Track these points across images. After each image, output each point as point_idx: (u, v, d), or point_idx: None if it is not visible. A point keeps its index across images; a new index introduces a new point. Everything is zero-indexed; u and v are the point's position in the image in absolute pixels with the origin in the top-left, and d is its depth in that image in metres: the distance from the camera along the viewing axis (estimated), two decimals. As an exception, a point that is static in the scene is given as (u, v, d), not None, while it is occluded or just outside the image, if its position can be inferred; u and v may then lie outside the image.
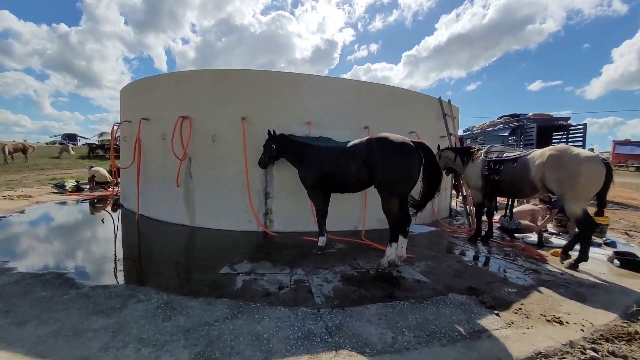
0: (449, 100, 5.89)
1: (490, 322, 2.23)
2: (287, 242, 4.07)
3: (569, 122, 11.04)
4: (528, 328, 2.17)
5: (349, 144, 3.21)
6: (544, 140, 10.61)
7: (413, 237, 4.48)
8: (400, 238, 3.16)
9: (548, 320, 2.31)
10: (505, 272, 3.29)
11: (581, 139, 10.29)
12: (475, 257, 3.76)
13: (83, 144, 32.35)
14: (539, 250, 4.05)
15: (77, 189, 7.66)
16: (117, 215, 5.36)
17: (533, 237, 4.54)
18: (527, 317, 2.34)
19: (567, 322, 2.27)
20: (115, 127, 5.80)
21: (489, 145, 4.38)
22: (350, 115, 4.66)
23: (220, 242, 4.06)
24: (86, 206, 6.13)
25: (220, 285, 2.70)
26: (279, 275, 2.98)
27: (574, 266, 3.49)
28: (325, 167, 3.29)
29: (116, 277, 2.84)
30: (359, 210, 4.76)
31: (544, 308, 2.49)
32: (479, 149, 4.33)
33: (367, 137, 3.13)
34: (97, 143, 22.20)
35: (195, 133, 4.49)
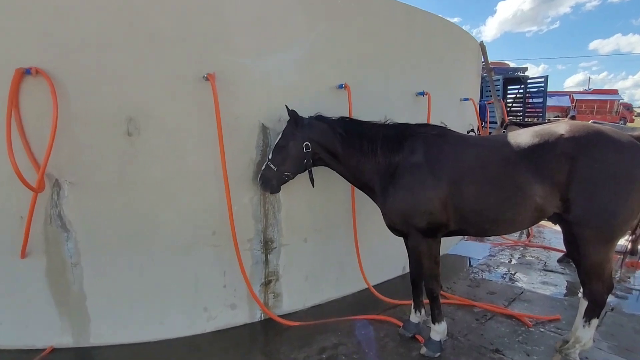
0: (482, 42, 5.43)
1: None
2: (334, 340, 2.87)
3: (526, 73, 12.40)
4: None
5: (518, 140, 2.46)
6: (504, 92, 11.65)
7: (479, 266, 4.36)
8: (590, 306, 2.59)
9: None
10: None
11: (541, 95, 11.41)
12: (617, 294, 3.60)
13: None
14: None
15: None
16: None
17: None
18: None
19: None
20: None
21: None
22: (399, 72, 3.68)
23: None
24: None
25: None
26: None
27: None
28: (466, 189, 2.48)
29: None
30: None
31: None
32: None
33: (558, 130, 2.39)
34: None
35: (71, 115, 2.48)
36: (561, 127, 2.38)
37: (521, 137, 2.45)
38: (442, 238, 2.66)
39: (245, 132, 2.85)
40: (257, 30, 2.81)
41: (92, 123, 2.48)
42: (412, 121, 2.86)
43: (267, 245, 3.06)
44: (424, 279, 2.72)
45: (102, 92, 2.48)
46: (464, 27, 4.78)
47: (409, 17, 3.69)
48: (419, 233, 2.56)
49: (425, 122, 3.55)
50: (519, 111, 11.50)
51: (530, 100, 11.56)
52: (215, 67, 2.67)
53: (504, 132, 4.41)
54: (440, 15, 4.10)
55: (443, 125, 4.03)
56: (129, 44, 2.49)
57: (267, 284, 3.09)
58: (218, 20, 2.68)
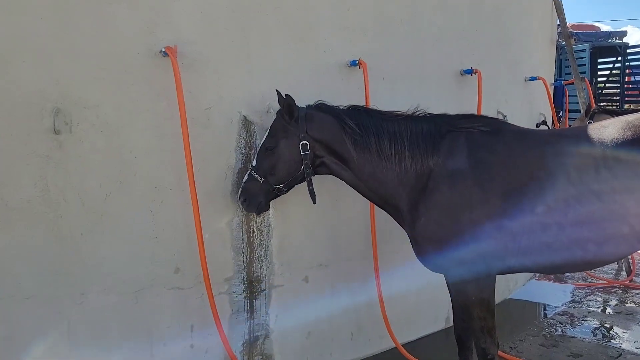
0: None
1: None
2: None
3: (625, 39, 11.78)
4: None
5: (603, 135, 2.35)
6: (591, 67, 10.76)
7: (557, 316, 4.15)
8: None
9: None
10: None
11: None
12: None
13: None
14: None
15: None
16: None
17: None
18: None
19: None
20: None
21: None
22: (436, 42, 3.64)
23: None
24: None
25: None
26: None
27: None
28: (528, 207, 2.35)
29: None
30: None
31: None
32: None
33: None
34: None
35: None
36: None
37: (607, 130, 2.35)
38: (498, 275, 2.52)
39: (220, 128, 2.70)
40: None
41: (1, 115, 2.21)
42: (455, 111, 2.74)
43: (252, 287, 2.92)
44: (473, 335, 2.59)
45: (16, 72, 2.21)
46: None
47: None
48: (476, 278, 2.48)
49: (474, 112, 3.42)
50: (616, 94, 10.74)
51: (632, 79, 10.77)
52: (178, 37, 2.49)
53: (590, 123, 4.07)
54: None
55: (501, 116, 3.82)
56: (55, 4, 2.28)
57: (252, 342, 2.91)
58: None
